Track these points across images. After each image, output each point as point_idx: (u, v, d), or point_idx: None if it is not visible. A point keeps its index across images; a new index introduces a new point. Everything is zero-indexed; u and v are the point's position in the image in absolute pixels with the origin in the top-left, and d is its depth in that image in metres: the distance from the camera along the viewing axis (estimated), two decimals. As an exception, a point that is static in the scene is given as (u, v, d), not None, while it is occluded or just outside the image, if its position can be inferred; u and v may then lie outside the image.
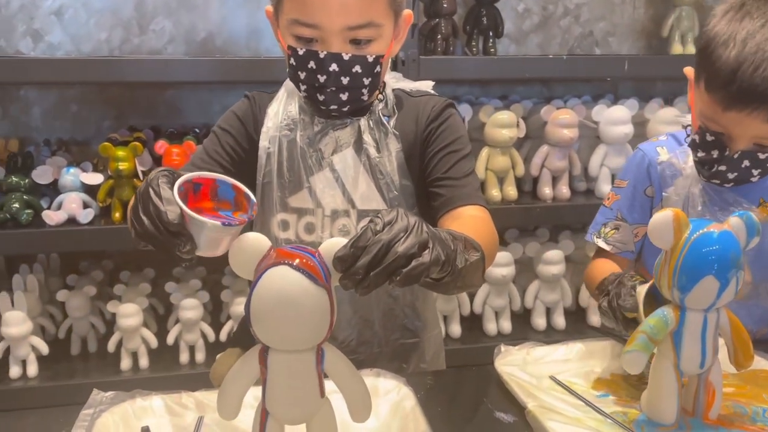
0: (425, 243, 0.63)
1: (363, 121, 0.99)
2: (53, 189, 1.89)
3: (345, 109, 0.95)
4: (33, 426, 0.90)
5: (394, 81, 1.06)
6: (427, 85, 1.10)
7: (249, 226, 0.72)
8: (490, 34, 2.20)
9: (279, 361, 0.67)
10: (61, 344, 2.00)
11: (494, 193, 2.04)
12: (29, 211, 1.81)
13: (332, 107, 0.94)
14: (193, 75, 1.85)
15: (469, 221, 0.91)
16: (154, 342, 1.96)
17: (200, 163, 0.97)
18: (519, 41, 2.41)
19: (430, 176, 0.99)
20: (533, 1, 2.39)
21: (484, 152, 2.04)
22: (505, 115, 1.99)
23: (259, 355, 0.68)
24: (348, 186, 0.98)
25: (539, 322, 2.16)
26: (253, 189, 0.99)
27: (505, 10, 2.29)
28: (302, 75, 0.91)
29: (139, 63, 1.84)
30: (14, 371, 1.87)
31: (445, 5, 2.10)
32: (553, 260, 2.10)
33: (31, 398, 1.87)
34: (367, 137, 0.98)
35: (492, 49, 2.20)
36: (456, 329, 2.11)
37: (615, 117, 2.03)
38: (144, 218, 0.66)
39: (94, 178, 1.86)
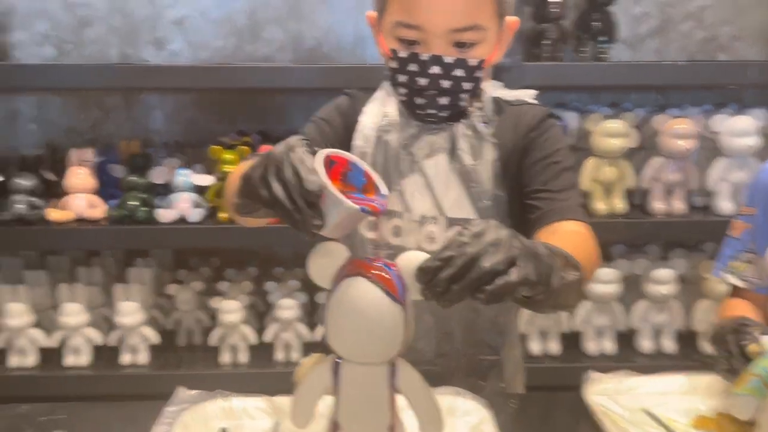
0: (514, 260, 0.60)
1: (460, 127, 0.96)
2: (167, 188, 2.00)
3: (443, 113, 0.93)
4: (125, 416, 0.95)
5: (493, 89, 1.03)
6: (528, 94, 1.06)
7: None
8: (602, 39, 2.10)
9: (350, 373, 0.66)
10: (169, 335, 2.11)
11: (600, 205, 1.95)
12: (145, 208, 1.92)
13: (430, 111, 0.92)
14: (300, 82, 1.90)
15: (567, 237, 0.86)
16: (253, 338, 2.02)
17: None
18: (634, 46, 2.29)
19: (527, 187, 0.95)
20: (652, 3, 2.26)
21: (591, 162, 1.95)
22: (615, 124, 1.90)
23: (332, 365, 0.68)
24: (438, 192, 0.96)
25: (645, 344, 2.04)
26: None
27: (620, 14, 2.18)
28: (402, 78, 0.90)
29: (250, 70, 1.91)
30: (126, 358, 2.00)
31: (553, 9, 2.03)
32: (663, 279, 1.97)
33: (140, 385, 1.99)
34: (462, 143, 0.96)
35: (603, 55, 2.10)
36: (554, 346, 2.03)
37: (738, 127, 1.87)
38: (275, 183, 0.63)
39: (204, 180, 1.95)
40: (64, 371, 1.99)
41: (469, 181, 0.96)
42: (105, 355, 2.03)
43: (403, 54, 0.89)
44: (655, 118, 1.93)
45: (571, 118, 1.96)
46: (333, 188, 0.62)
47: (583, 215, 0.92)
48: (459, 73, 0.90)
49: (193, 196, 1.96)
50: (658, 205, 1.96)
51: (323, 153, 0.65)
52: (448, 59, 0.88)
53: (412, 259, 0.63)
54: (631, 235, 2.00)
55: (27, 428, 0.85)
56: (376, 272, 0.63)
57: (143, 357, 2.01)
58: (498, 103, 1.01)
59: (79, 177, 1.96)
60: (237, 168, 0.82)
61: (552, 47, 2.04)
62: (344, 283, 0.63)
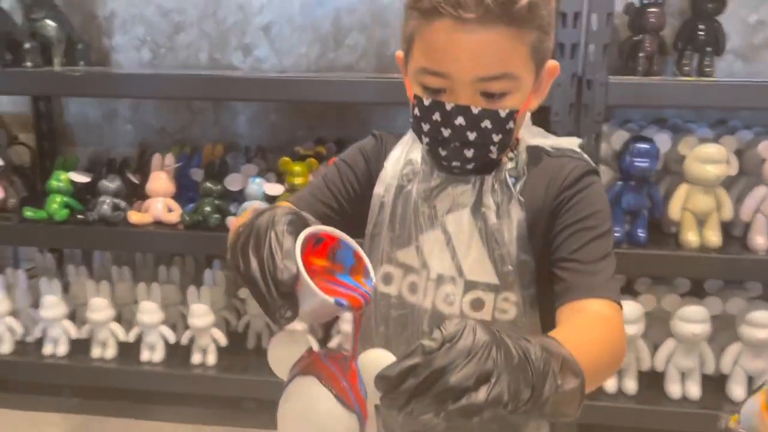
0: (488, 374, 0.52)
1: (487, 181, 0.88)
2: (242, 196, 2.03)
3: (469, 166, 0.85)
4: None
5: (530, 136, 0.93)
6: (572, 143, 0.95)
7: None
8: (708, 50, 1.90)
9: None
10: (239, 338, 2.16)
11: (691, 237, 1.77)
12: (217, 215, 1.97)
13: (455, 164, 0.85)
14: (378, 96, 1.84)
15: (589, 322, 0.76)
16: (315, 346, 2.02)
17: (316, 193, 0.93)
18: (747, 57, 2.06)
19: (554, 254, 0.85)
20: (770, 11, 2.02)
21: (683, 189, 1.77)
22: (713, 149, 1.71)
23: None
24: (459, 251, 0.89)
25: (738, 391, 1.84)
26: (362, 236, 0.95)
27: (732, 23, 1.97)
28: (426, 127, 0.83)
29: (329, 84, 1.87)
30: (195, 358, 2.06)
31: (651, 20, 1.86)
32: (762, 322, 1.77)
33: (206, 386, 2.05)
34: (487, 199, 0.87)
35: (708, 69, 1.90)
36: (631, 385, 1.88)
37: None
38: (253, 260, 0.59)
39: (275, 189, 1.96)
40: (140, 366, 2.08)
41: (492, 242, 0.87)
42: (179, 353, 2.10)
43: (426, 102, 0.82)
44: (763, 143, 1.72)
45: (662, 141, 1.78)
46: (307, 278, 0.57)
47: (613, 292, 0.81)
48: (487, 124, 0.81)
49: (264, 205, 1.98)
50: (760, 241, 1.75)
51: (308, 231, 0.60)
52: (475, 110, 0.80)
53: (374, 361, 0.56)
54: (726, 272, 1.80)
55: None
56: (329, 376, 0.58)
57: (212, 358, 2.07)
58: (535, 153, 0.91)
59: (159, 182, 2.03)
60: (243, 216, 0.80)
61: (648, 60, 1.88)
62: (295, 382, 0.58)
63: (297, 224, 0.62)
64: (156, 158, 2.05)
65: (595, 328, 0.75)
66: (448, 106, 0.80)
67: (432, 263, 0.89)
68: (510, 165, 0.88)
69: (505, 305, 0.87)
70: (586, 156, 0.95)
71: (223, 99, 2.30)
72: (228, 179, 2.02)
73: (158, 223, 2.02)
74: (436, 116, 0.81)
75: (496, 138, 0.82)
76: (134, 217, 2.00)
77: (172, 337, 2.08)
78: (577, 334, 0.71)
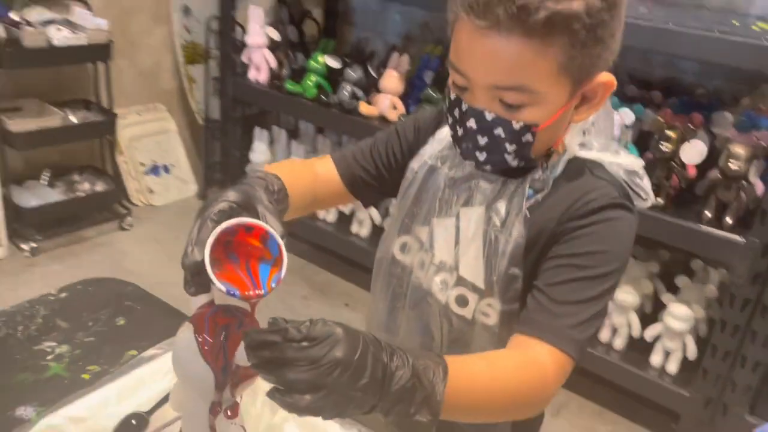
0: (320, 387, 0.56)
1: (510, 185, 0.82)
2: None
3: (486, 167, 0.81)
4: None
5: (580, 148, 0.82)
6: (633, 164, 0.81)
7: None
8: None
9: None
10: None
11: None
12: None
13: (468, 162, 0.83)
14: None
15: (512, 364, 0.71)
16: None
17: (358, 157, 0.95)
18: None
19: (536, 279, 0.79)
20: None
21: None
22: None
23: None
24: (461, 246, 0.87)
25: None
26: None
27: None
28: (449, 119, 0.81)
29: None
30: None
31: None
32: None
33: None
34: (500, 205, 0.82)
35: None
36: None
37: None
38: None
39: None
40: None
41: (489, 248, 0.83)
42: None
43: (452, 96, 0.79)
44: None
45: None
46: (208, 267, 0.63)
47: (568, 342, 0.72)
48: (500, 132, 0.75)
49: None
50: None
51: (232, 222, 0.65)
52: (489, 116, 0.74)
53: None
54: None
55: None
56: (202, 327, 0.68)
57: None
58: (575, 168, 0.81)
59: (391, 79, 2.18)
60: None
61: None
62: (183, 325, 0.69)
63: (228, 213, 0.67)
64: (393, 58, 2.19)
65: (513, 372, 0.71)
66: (464, 107, 0.77)
67: (436, 248, 0.89)
68: (538, 175, 0.81)
69: (488, 310, 0.85)
70: (643, 183, 0.82)
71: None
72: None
73: (382, 118, 2.19)
74: (456, 113, 0.79)
75: (509, 148, 0.77)
76: (363, 108, 2.20)
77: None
78: (485, 370, 0.69)
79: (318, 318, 0.58)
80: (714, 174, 1.74)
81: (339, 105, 2.27)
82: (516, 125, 0.74)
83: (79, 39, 2.38)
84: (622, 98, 2.01)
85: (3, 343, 0.97)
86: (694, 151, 1.72)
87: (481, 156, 0.79)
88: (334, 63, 2.32)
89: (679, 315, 1.87)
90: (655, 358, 1.96)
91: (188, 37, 2.95)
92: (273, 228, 0.68)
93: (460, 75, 0.76)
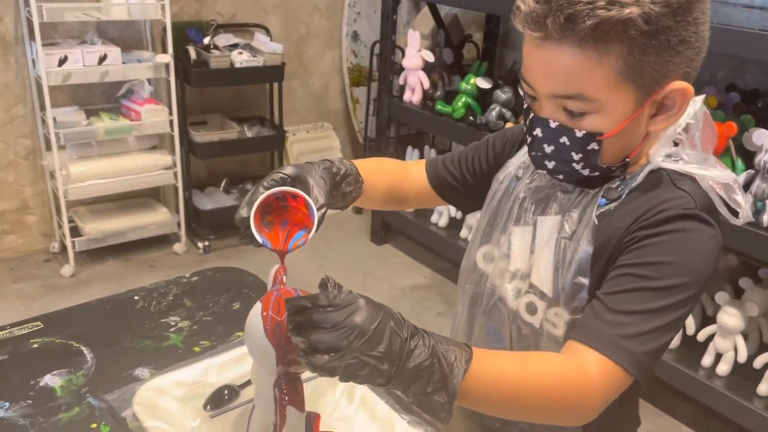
0: (337, 349, 0.62)
1: (586, 195, 0.81)
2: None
3: (559, 177, 0.81)
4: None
5: (665, 159, 0.78)
6: (726, 177, 0.74)
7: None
8: None
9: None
10: None
11: None
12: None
13: (540, 171, 0.83)
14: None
15: (549, 367, 0.70)
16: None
17: (447, 163, 1.00)
18: None
19: (599, 288, 0.75)
20: None
21: None
22: None
23: None
24: (536, 254, 0.86)
25: None
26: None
27: None
28: (525, 127, 0.83)
29: None
30: None
31: None
32: None
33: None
34: (573, 214, 0.81)
35: None
36: None
37: None
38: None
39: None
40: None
41: (559, 255, 0.82)
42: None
43: (525, 104, 0.80)
44: None
45: None
46: (252, 223, 0.75)
47: (621, 352, 0.67)
48: (565, 140, 0.74)
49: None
50: None
51: (278, 189, 0.76)
52: (553, 124, 0.74)
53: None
54: None
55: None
56: (267, 309, 0.74)
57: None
58: (654, 179, 0.77)
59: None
60: None
61: None
62: (257, 304, 0.77)
63: (279, 183, 0.78)
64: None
65: (550, 374, 0.68)
66: (531, 115, 0.78)
67: (513, 255, 0.89)
68: (615, 185, 0.79)
69: (555, 319, 0.83)
70: (738, 198, 0.76)
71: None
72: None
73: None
74: (528, 122, 0.80)
75: (576, 156, 0.76)
76: (508, 126, 2.20)
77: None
78: (517, 365, 0.68)
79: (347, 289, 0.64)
80: None
81: (486, 125, 2.29)
82: (579, 133, 0.74)
83: (257, 61, 2.65)
84: (728, 109, 1.84)
85: (138, 314, 1.12)
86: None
87: (550, 164, 0.79)
88: (484, 84, 2.35)
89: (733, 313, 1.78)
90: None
91: (354, 61, 3.15)
92: (314, 199, 0.76)
93: (528, 85, 0.77)
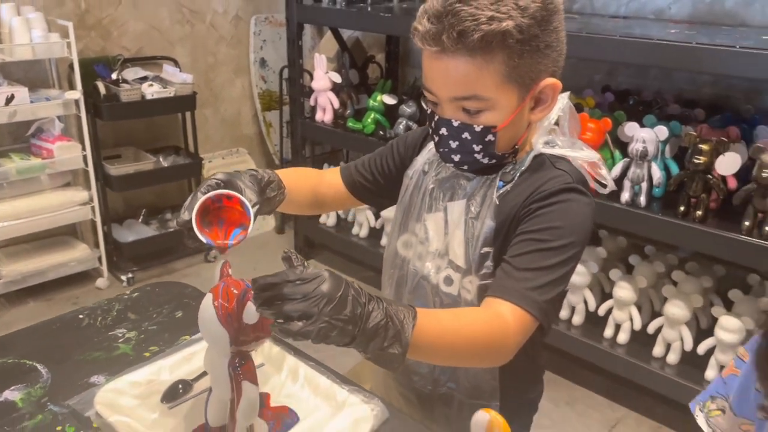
0: (310, 315, 0.69)
1: (486, 180, 0.97)
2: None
3: (463, 167, 0.97)
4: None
5: (544, 145, 0.96)
6: (592, 157, 0.92)
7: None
8: None
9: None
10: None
11: None
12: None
13: (448, 164, 0.98)
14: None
15: (473, 317, 0.84)
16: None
17: (359, 166, 1.13)
18: None
19: (503, 255, 0.92)
20: None
21: None
22: None
23: None
24: (449, 234, 1.01)
25: None
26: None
27: None
28: (430, 131, 0.97)
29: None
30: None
31: None
32: None
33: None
34: (477, 197, 0.97)
35: None
36: None
37: None
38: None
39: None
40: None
41: (468, 232, 0.97)
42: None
43: (428, 110, 0.95)
44: None
45: None
46: (194, 224, 0.83)
47: (528, 301, 0.84)
48: (466, 136, 0.90)
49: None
50: None
51: (215, 192, 0.85)
52: (455, 123, 0.90)
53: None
54: None
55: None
56: (217, 298, 0.85)
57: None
58: (539, 162, 0.94)
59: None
60: None
61: None
62: (208, 294, 0.87)
63: (214, 188, 0.86)
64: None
65: (477, 322, 0.82)
66: (436, 118, 0.92)
67: (431, 238, 1.03)
68: (508, 169, 0.95)
69: (469, 286, 0.97)
70: (603, 173, 0.93)
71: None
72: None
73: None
74: (433, 124, 0.94)
75: (476, 148, 0.91)
76: (416, 139, 2.36)
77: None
78: (451, 318, 0.82)
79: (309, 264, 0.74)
80: (750, 185, 1.76)
81: (395, 138, 2.45)
82: (477, 128, 0.89)
83: (168, 92, 2.71)
84: (662, 116, 2.08)
85: (85, 330, 1.18)
86: (728, 163, 1.76)
87: (456, 157, 0.94)
88: (390, 100, 2.52)
89: (729, 327, 1.87)
90: (710, 373, 1.96)
91: (264, 86, 3.26)
92: (246, 198, 0.87)
93: (429, 92, 0.92)
